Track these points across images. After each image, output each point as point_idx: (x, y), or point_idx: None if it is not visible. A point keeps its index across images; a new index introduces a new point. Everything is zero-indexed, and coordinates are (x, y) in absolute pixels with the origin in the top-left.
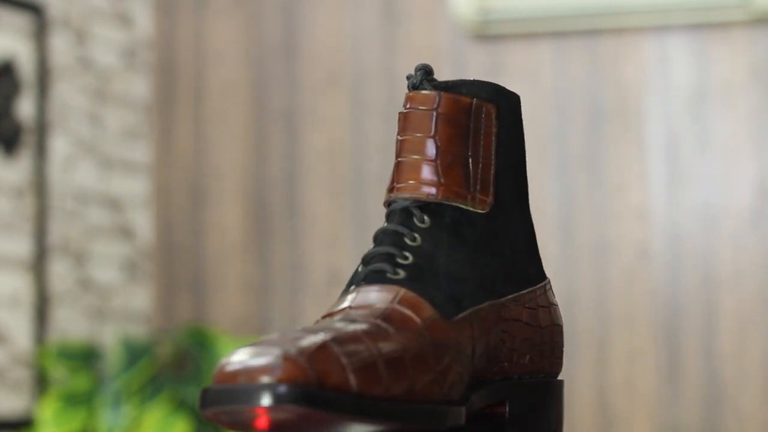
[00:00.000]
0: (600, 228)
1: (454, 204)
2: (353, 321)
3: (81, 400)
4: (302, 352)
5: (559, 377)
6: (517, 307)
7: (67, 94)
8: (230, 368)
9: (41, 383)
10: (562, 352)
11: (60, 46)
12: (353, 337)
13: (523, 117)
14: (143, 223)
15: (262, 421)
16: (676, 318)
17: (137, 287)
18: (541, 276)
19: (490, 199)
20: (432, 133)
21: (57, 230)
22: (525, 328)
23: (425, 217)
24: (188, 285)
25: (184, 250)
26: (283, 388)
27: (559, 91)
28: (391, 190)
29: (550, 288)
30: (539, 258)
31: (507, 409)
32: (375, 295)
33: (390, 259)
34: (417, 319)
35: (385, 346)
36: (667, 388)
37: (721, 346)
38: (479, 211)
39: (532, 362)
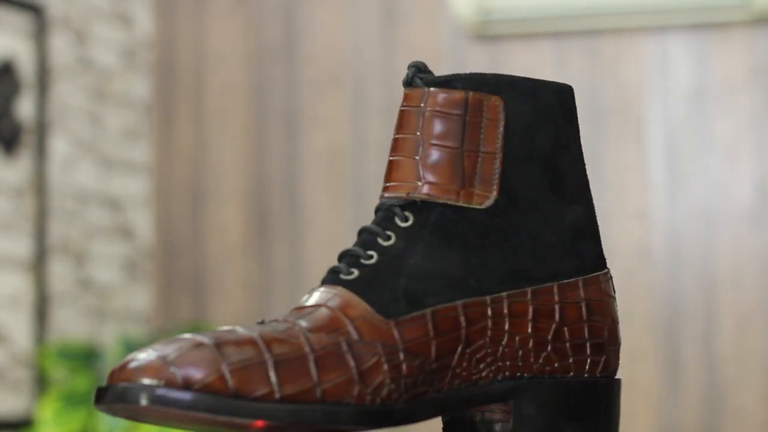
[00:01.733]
0: (600, 228)
1: (442, 201)
2: (277, 322)
3: (81, 400)
4: (176, 354)
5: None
6: (519, 304)
7: (67, 94)
8: (116, 367)
9: (41, 383)
10: (601, 350)
11: (60, 46)
12: (243, 340)
13: None
14: (143, 223)
15: (146, 415)
16: (676, 318)
17: (137, 287)
18: (577, 270)
19: (492, 194)
20: (418, 131)
21: (57, 230)
22: (532, 326)
23: (408, 216)
24: (188, 285)
25: (184, 250)
26: (143, 389)
27: None
28: (382, 189)
29: (598, 282)
30: (585, 252)
31: (512, 409)
32: (317, 296)
33: (352, 259)
34: (344, 319)
35: (282, 347)
36: (667, 388)
37: (721, 346)
38: (477, 207)
39: (549, 361)
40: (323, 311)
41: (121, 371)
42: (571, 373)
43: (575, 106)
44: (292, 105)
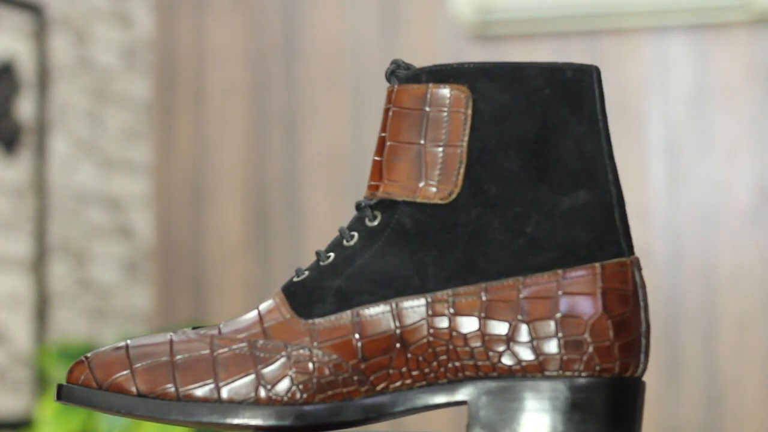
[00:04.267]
0: None
1: (402, 199)
2: (205, 328)
3: None
4: (96, 355)
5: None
6: (469, 300)
7: (67, 94)
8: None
9: (41, 383)
10: (578, 347)
11: (60, 46)
12: (160, 342)
13: None
14: (143, 223)
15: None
16: (676, 318)
17: (137, 287)
18: (563, 262)
19: (454, 188)
20: (385, 130)
21: (57, 230)
22: (484, 323)
23: (377, 215)
24: (188, 285)
25: (184, 250)
26: (66, 387)
27: None
28: None
29: (592, 273)
30: (582, 241)
31: (468, 411)
32: (266, 301)
33: (314, 261)
34: (259, 322)
35: (189, 348)
36: (667, 388)
37: (721, 346)
38: (439, 202)
39: (510, 360)
40: (249, 315)
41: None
42: (542, 373)
43: (583, 85)
44: (292, 105)
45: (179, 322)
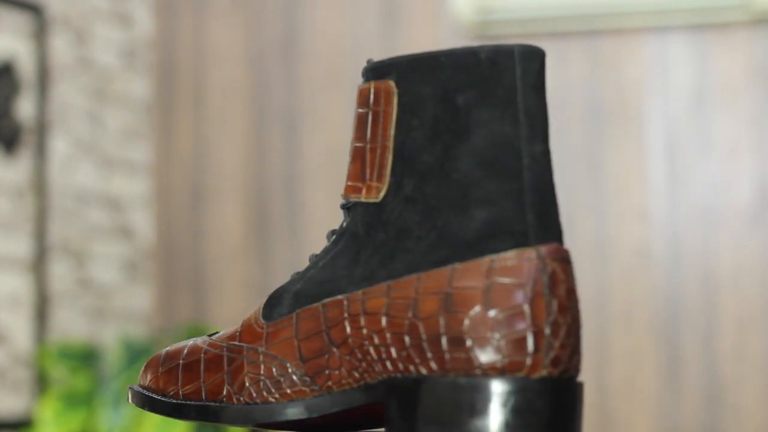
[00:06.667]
0: (600, 228)
1: (354, 200)
2: (216, 333)
3: (81, 400)
4: (151, 361)
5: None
6: (375, 300)
7: (67, 94)
8: None
9: (41, 383)
10: (460, 345)
11: (60, 46)
12: (182, 346)
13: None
14: (143, 223)
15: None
16: (676, 318)
17: (137, 287)
18: (457, 256)
19: (384, 187)
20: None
21: (57, 230)
22: (387, 323)
23: (347, 217)
24: (188, 285)
25: (184, 250)
26: (131, 389)
27: (559, 91)
28: None
29: (482, 267)
30: (487, 234)
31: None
32: None
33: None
34: (241, 326)
35: (188, 351)
36: (667, 388)
37: (721, 346)
38: (373, 201)
39: (410, 359)
40: (242, 321)
41: None
42: (432, 372)
43: (499, 67)
44: (292, 105)
45: (179, 322)
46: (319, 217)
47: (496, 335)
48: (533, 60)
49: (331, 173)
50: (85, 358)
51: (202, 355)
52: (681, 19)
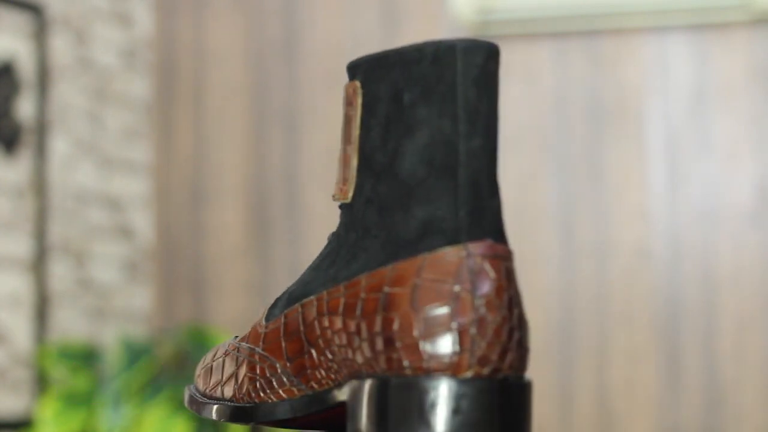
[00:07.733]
0: (600, 228)
1: (337, 201)
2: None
3: (81, 400)
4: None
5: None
6: (334, 300)
7: (67, 94)
8: None
9: (41, 383)
10: (390, 345)
11: (60, 46)
12: (217, 347)
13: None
14: (143, 223)
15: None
16: (676, 318)
17: (137, 287)
18: (395, 256)
19: (351, 188)
20: None
21: (57, 230)
22: (342, 322)
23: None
24: (188, 285)
25: (184, 250)
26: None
27: (559, 92)
28: None
29: (415, 267)
30: (423, 233)
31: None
32: None
33: None
34: (250, 328)
35: (217, 352)
36: (667, 388)
37: (721, 346)
38: (347, 202)
39: (362, 358)
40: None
41: None
42: (375, 372)
43: (442, 64)
44: (292, 105)
45: (179, 322)
46: (319, 217)
47: (421, 335)
48: (477, 55)
49: (331, 173)
50: (85, 358)
51: (222, 356)
52: (681, 19)
